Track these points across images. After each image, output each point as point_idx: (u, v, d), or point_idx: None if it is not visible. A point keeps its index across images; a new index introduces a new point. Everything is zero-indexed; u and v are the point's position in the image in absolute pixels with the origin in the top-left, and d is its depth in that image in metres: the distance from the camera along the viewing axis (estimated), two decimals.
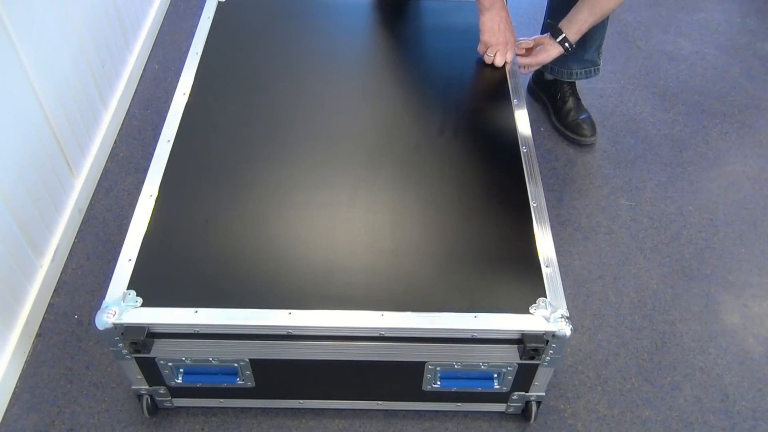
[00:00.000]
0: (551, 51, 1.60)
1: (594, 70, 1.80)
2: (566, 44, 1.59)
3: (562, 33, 1.58)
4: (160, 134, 1.35)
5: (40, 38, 1.42)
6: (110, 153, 1.78)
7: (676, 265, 1.60)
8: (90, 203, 1.66)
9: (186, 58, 1.52)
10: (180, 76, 1.47)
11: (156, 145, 1.33)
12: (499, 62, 1.50)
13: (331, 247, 1.17)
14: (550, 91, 1.90)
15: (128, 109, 1.90)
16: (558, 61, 1.72)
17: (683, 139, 1.90)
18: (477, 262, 1.16)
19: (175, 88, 1.45)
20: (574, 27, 1.56)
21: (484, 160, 1.33)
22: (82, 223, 1.62)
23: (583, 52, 1.74)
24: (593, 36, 1.68)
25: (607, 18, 1.64)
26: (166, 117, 1.38)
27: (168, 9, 2.23)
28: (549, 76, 1.87)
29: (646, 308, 1.51)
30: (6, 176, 1.31)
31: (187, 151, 1.32)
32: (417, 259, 1.16)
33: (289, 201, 1.24)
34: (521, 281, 1.14)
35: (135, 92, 1.95)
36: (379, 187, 1.27)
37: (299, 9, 1.67)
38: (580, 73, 1.80)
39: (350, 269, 1.14)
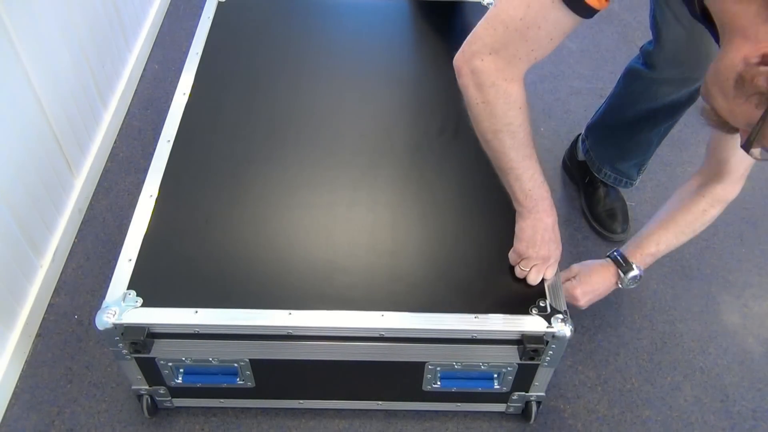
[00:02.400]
0: (603, 277, 1.29)
1: (626, 182, 1.59)
2: (620, 263, 1.27)
3: (629, 264, 1.27)
4: (160, 134, 1.35)
5: (40, 38, 1.42)
6: (110, 153, 1.78)
7: (676, 265, 1.60)
8: (90, 203, 1.66)
9: (186, 58, 1.52)
10: (180, 76, 1.47)
11: (156, 145, 1.33)
12: (534, 280, 1.13)
13: (332, 248, 1.17)
14: (582, 173, 1.70)
15: (128, 109, 1.90)
16: (594, 151, 1.59)
17: (683, 139, 1.90)
18: (477, 263, 1.16)
19: (175, 88, 1.45)
20: (635, 241, 1.28)
21: (484, 160, 1.33)
22: (82, 223, 1.62)
23: (619, 161, 1.55)
24: (634, 152, 1.53)
25: (651, 144, 1.49)
26: (166, 117, 1.38)
27: (168, 9, 2.23)
28: (581, 157, 1.69)
29: (646, 308, 1.51)
30: (6, 176, 1.31)
31: (187, 151, 1.32)
32: (417, 259, 1.16)
33: (289, 201, 1.24)
34: (521, 282, 1.14)
35: (135, 92, 1.95)
36: (379, 188, 1.27)
37: (299, 9, 1.67)
38: (609, 176, 1.59)
39: (350, 269, 1.14)
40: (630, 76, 1.45)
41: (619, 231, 1.62)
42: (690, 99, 1.38)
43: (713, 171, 1.19)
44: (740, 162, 1.15)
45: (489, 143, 1.03)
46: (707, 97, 0.79)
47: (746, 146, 0.75)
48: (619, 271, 1.27)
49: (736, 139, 0.95)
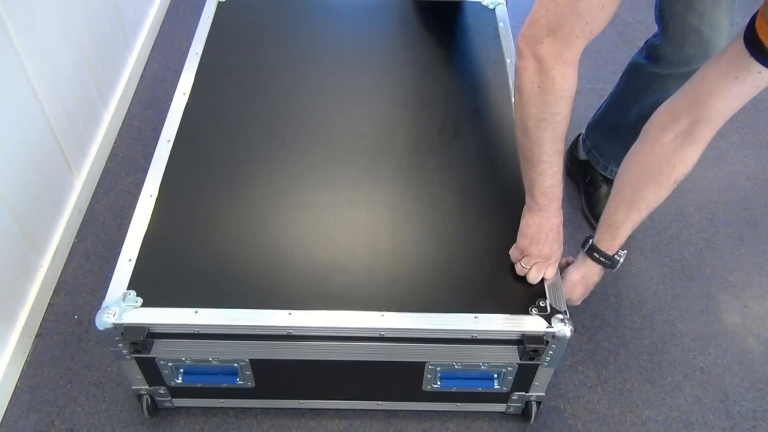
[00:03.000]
0: (587, 277, 1.20)
1: None
2: (603, 260, 1.18)
3: (593, 246, 1.18)
4: (160, 134, 1.35)
5: (40, 38, 1.42)
6: (110, 153, 1.78)
7: (676, 265, 1.60)
8: (90, 203, 1.66)
9: (186, 58, 1.52)
10: (180, 76, 1.47)
11: (156, 145, 1.33)
12: (534, 278, 1.13)
13: (332, 248, 1.17)
14: (582, 173, 1.69)
15: (128, 109, 1.90)
16: (597, 150, 1.56)
17: None
18: (477, 263, 1.16)
19: (175, 88, 1.45)
20: (609, 233, 1.17)
21: (484, 161, 1.33)
22: (82, 223, 1.62)
23: (625, 152, 1.53)
24: None
25: None
26: (166, 117, 1.38)
27: (168, 9, 2.23)
28: (583, 156, 1.67)
29: (646, 308, 1.51)
30: (6, 176, 1.31)
31: (187, 151, 1.32)
32: (417, 259, 1.16)
33: (289, 201, 1.24)
34: (521, 282, 1.14)
35: (135, 92, 1.95)
36: (380, 188, 1.27)
37: (299, 9, 1.67)
38: (615, 172, 1.52)
39: (350, 269, 1.14)
40: (633, 72, 1.44)
41: None
42: None
43: (686, 133, 1.07)
44: (725, 111, 1.05)
45: (528, 131, 1.02)
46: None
47: None
48: (606, 269, 1.21)
49: (723, 93, 0.97)
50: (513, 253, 1.16)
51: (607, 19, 0.92)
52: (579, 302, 1.24)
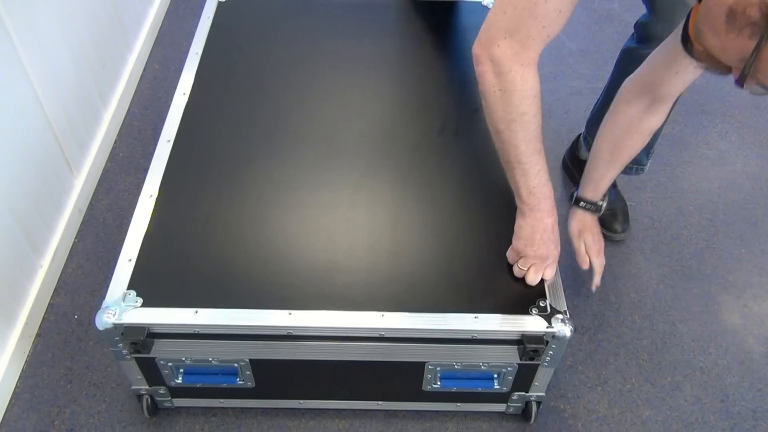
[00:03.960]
0: (584, 222, 1.35)
1: (637, 169, 1.57)
2: (589, 206, 1.34)
3: (579, 198, 1.35)
4: (160, 134, 1.35)
5: (40, 38, 1.42)
6: (110, 153, 1.78)
7: (676, 265, 1.60)
8: (90, 203, 1.66)
9: (186, 58, 1.52)
10: (180, 76, 1.47)
11: (156, 145, 1.33)
12: (532, 280, 1.13)
13: (332, 248, 1.17)
14: (582, 172, 1.68)
15: (128, 109, 1.90)
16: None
17: (683, 139, 1.90)
18: (477, 263, 1.16)
19: (175, 88, 1.45)
20: (591, 186, 1.33)
21: (484, 161, 1.33)
22: (82, 223, 1.62)
23: None
24: None
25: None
26: (166, 117, 1.38)
27: (168, 9, 2.23)
28: (584, 156, 1.66)
29: (646, 308, 1.51)
30: (6, 176, 1.31)
31: (187, 151, 1.32)
32: (417, 259, 1.16)
33: (289, 201, 1.24)
34: (521, 282, 1.14)
35: (135, 92, 1.95)
36: (380, 188, 1.27)
37: (299, 9, 1.67)
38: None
39: (350, 270, 1.14)
40: (626, 58, 1.43)
41: (620, 230, 1.62)
42: None
43: (647, 108, 1.21)
44: (675, 93, 1.20)
45: (501, 134, 1.04)
46: (698, 39, 0.81)
47: (740, 81, 0.76)
48: (594, 214, 1.35)
49: (680, 73, 1.10)
50: (509, 255, 1.16)
51: (562, 23, 0.95)
52: (599, 244, 1.34)
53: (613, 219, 1.62)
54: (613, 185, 1.66)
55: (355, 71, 1.51)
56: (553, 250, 1.14)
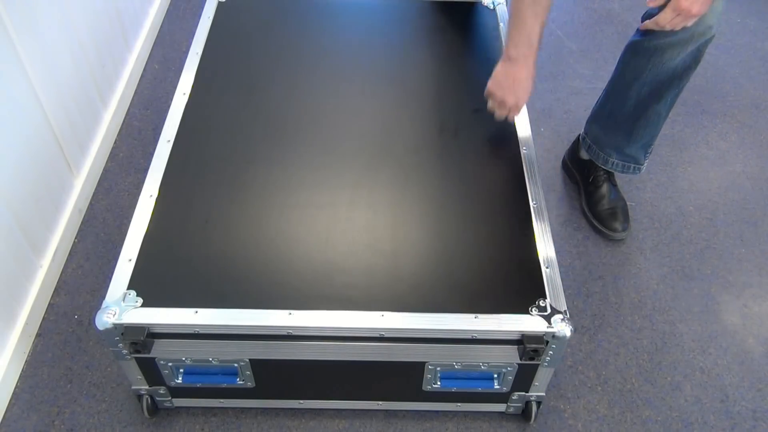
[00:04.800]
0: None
1: (634, 168, 1.59)
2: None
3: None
4: (160, 134, 1.35)
5: (40, 38, 1.42)
6: (110, 153, 1.78)
7: (676, 265, 1.60)
8: (90, 203, 1.66)
9: (186, 58, 1.52)
10: (180, 76, 1.47)
11: (156, 145, 1.33)
12: (498, 117, 1.37)
13: (332, 248, 1.17)
14: (584, 172, 1.70)
15: (128, 109, 1.90)
16: (597, 144, 1.60)
17: (683, 139, 1.90)
18: (477, 263, 1.16)
19: (175, 88, 1.45)
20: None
21: (485, 161, 1.33)
22: (82, 223, 1.62)
23: (626, 145, 1.54)
24: (641, 132, 1.51)
25: (660, 117, 1.48)
26: (166, 117, 1.38)
27: (168, 9, 2.23)
28: (585, 155, 1.69)
29: (646, 308, 1.51)
30: (6, 176, 1.31)
31: (187, 151, 1.32)
32: (417, 259, 1.16)
33: (289, 201, 1.24)
34: (521, 282, 1.14)
35: (135, 92, 1.95)
36: (379, 188, 1.27)
37: (299, 9, 1.67)
38: (617, 165, 1.60)
39: (350, 270, 1.14)
40: (631, 52, 1.44)
41: (620, 229, 1.62)
42: (695, 60, 1.36)
43: None
44: None
45: None
46: None
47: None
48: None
49: None
50: (485, 92, 1.36)
51: None
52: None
53: (613, 218, 1.63)
54: (613, 184, 1.67)
55: (355, 71, 1.51)
56: (522, 98, 1.32)
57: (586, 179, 1.69)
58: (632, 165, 1.58)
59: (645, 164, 1.59)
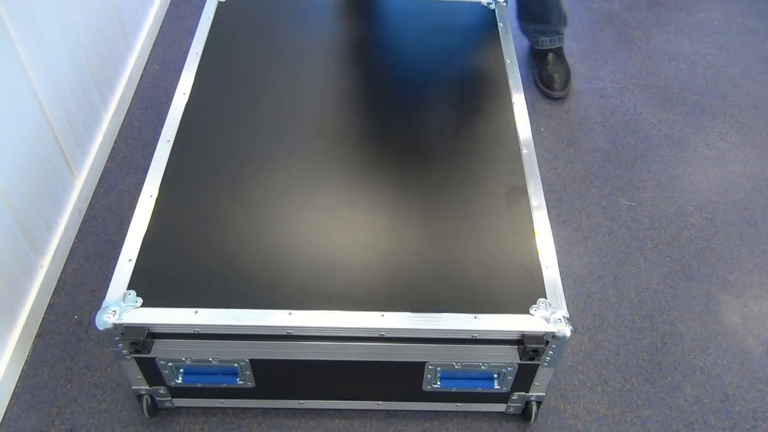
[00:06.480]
0: None
1: (559, 39, 1.97)
2: None
3: None
4: (160, 134, 1.35)
5: (40, 38, 1.42)
6: (110, 153, 1.78)
7: (676, 265, 1.60)
8: (90, 203, 1.66)
9: (186, 58, 1.52)
10: (180, 76, 1.47)
11: (156, 145, 1.33)
12: None
13: (332, 248, 1.17)
14: (533, 51, 2.06)
15: (128, 109, 1.90)
16: (528, 30, 1.96)
17: (683, 139, 1.90)
18: (477, 263, 1.16)
19: (175, 88, 1.45)
20: None
21: (484, 161, 1.33)
22: (82, 223, 1.62)
23: (543, 24, 1.93)
24: (549, 11, 1.88)
25: None
26: (166, 117, 1.38)
27: (168, 9, 2.23)
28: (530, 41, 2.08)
29: (646, 308, 1.51)
30: (6, 176, 1.31)
31: (187, 151, 1.32)
32: (417, 259, 1.16)
33: (289, 201, 1.24)
34: (521, 282, 1.14)
35: (135, 92, 1.95)
36: (380, 188, 1.27)
37: (299, 9, 1.67)
38: (546, 42, 1.98)
39: (350, 269, 1.14)
40: None
41: (559, 89, 1.94)
42: None
43: None
44: None
45: None
46: None
47: None
48: None
49: None
50: None
51: None
52: None
53: (550, 78, 1.96)
54: (558, 56, 2.01)
55: (355, 71, 1.51)
56: None
57: (535, 58, 2.05)
58: (556, 37, 1.97)
59: (565, 32, 1.97)
